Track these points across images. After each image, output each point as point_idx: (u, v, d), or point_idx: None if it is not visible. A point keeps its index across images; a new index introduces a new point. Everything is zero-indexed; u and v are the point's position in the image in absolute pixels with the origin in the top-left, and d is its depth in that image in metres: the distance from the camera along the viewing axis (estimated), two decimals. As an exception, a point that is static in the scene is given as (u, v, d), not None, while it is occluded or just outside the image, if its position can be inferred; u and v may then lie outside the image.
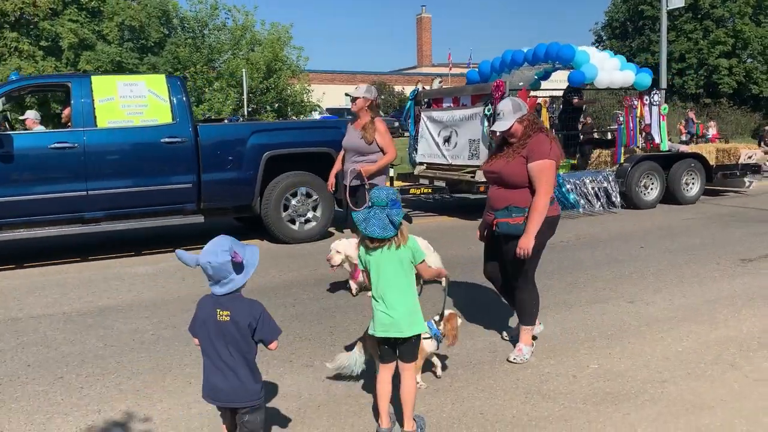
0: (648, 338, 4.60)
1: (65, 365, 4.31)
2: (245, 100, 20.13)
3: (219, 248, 2.62)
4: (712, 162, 11.60)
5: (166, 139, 7.45)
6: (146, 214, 7.56)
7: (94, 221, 7.31)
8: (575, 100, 11.50)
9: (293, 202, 8.21)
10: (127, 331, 4.98)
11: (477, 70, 11.92)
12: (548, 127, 9.85)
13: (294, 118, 23.88)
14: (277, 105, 23.28)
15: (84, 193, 7.15)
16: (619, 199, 10.36)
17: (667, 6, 19.64)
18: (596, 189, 10.26)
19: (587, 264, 6.94)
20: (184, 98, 7.69)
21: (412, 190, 10.57)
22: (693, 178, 11.21)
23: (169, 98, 7.57)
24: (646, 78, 10.68)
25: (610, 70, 10.29)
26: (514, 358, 4.19)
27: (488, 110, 9.32)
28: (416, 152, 11.38)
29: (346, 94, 6.82)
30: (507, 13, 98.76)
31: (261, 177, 7.97)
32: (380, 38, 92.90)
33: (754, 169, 12.15)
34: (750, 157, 12.10)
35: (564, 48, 10.05)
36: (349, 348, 4.00)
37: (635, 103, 10.73)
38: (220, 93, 21.93)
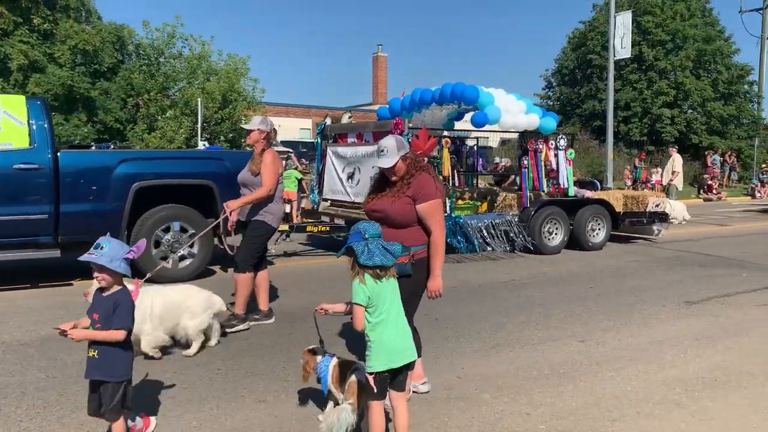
0: (598, 377, 4.68)
1: (4, 397, 4.11)
2: (199, 129, 19.96)
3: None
4: (619, 209, 11.56)
5: (20, 166, 6.86)
6: None
7: None
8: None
9: (166, 237, 7.67)
10: (71, 363, 4.78)
11: (387, 107, 11.70)
12: (450, 167, 10.08)
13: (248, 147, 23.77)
14: (231, 135, 23.13)
15: None
16: (521, 243, 10.10)
17: (614, 56, 20.49)
18: (499, 232, 9.98)
19: (538, 302, 7.04)
20: (45, 122, 7.13)
21: (308, 228, 10.15)
22: (599, 224, 11.01)
23: (28, 121, 7.03)
24: (551, 122, 10.62)
25: (515, 113, 10.24)
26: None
27: None
28: (321, 188, 11.04)
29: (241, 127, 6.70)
30: (460, 52, 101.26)
31: (129, 209, 7.42)
32: (337, 74, 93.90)
33: (662, 217, 11.94)
34: (657, 206, 11.97)
35: (468, 89, 9.96)
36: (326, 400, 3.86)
37: (540, 146, 10.62)
38: (174, 121, 21.68)
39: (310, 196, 11.41)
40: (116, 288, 3.18)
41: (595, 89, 36.86)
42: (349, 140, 10.55)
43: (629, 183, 21.10)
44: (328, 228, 10.18)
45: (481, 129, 10.36)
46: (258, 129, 5.78)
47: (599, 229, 11.01)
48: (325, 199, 10.89)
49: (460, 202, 10.46)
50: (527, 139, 10.63)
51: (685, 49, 35.18)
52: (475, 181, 12.14)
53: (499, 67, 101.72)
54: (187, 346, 5.06)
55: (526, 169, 10.49)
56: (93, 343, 3.12)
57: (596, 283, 8.13)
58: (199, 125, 19.07)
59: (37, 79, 18.92)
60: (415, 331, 4.08)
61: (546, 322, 6.18)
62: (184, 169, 8.03)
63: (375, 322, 3.27)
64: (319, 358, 3.74)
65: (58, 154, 7.17)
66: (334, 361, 3.71)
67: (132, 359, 3.25)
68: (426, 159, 9.00)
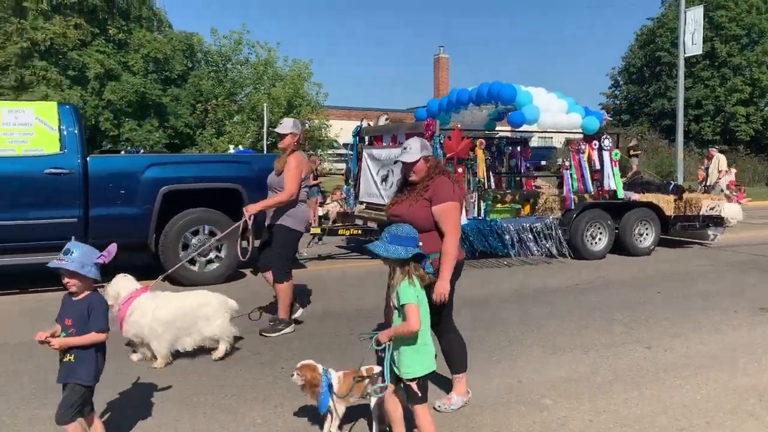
0: (666, 384, 4.56)
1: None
2: (265, 133, 20.42)
3: None
4: (670, 212, 10.99)
5: (50, 170, 7.03)
6: (26, 249, 7.00)
7: None
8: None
9: (194, 241, 7.74)
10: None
11: (425, 108, 11.45)
12: (485, 168, 9.70)
13: (311, 152, 24.15)
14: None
15: None
16: (559, 249, 9.75)
17: (685, 53, 19.81)
18: (538, 236, 9.65)
19: (600, 307, 6.90)
20: (75, 128, 7.28)
21: (340, 231, 10.05)
22: (647, 229, 10.49)
23: (59, 127, 7.19)
24: (594, 122, 10.21)
25: (555, 112, 9.91)
26: (439, 406, 4.06)
27: None
28: (357, 191, 10.84)
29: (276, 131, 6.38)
30: (525, 53, 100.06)
31: (157, 213, 7.50)
32: (397, 76, 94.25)
33: (717, 221, 11.26)
34: (712, 209, 11.28)
35: (505, 88, 9.68)
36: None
37: (582, 147, 10.24)
38: (241, 126, 22.24)
39: (347, 199, 11.26)
40: (86, 292, 3.15)
41: (664, 87, 35.73)
42: (384, 143, 10.41)
43: (701, 185, 20.23)
44: (360, 231, 10.02)
45: (518, 129, 10.17)
46: (291, 133, 5.75)
47: (647, 234, 10.52)
48: (361, 202, 10.73)
49: (499, 205, 10.29)
50: (569, 139, 10.36)
51: (761, 43, 33.68)
52: (518, 183, 11.80)
53: (563, 66, 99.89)
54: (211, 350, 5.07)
55: (568, 171, 10.19)
56: (69, 348, 3.10)
57: (660, 288, 7.90)
58: (264, 129, 19.50)
59: (113, 86, 19.75)
60: (455, 332, 4.17)
61: (609, 327, 6.05)
62: (211, 173, 8.08)
63: (423, 327, 3.30)
64: (320, 370, 3.60)
65: (88, 159, 7.33)
66: (339, 374, 3.61)
67: (101, 366, 3.21)
68: (457, 161, 9.05)
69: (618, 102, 40.47)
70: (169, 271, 6.30)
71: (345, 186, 11.36)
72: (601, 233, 10.12)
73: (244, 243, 6.09)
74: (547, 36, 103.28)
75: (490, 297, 7.37)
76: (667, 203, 11.09)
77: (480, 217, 9.42)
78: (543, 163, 19.02)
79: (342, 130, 28.75)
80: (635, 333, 5.87)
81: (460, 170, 9.06)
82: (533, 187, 11.83)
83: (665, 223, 10.72)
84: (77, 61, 19.30)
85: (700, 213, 11.23)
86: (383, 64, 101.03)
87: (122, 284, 4.91)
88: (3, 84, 18.50)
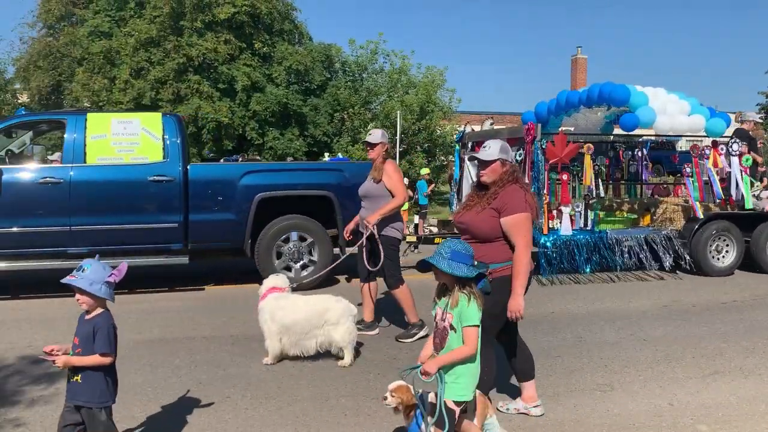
0: None
1: (232, 386, 4.59)
2: (397, 140, 20.71)
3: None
4: None
5: (154, 178, 7.40)
6: (131, 251, 7.42)
7: (77, 257, 7.09)
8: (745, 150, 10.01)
9: (286, 247, 7.89)
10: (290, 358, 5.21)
11: (534, 111, 10.99)
12: (593, 175, 9.04)
13: (443, 158, 24.16)
14: (426, 145, 23.69)
15: (67, 228, 7.20)
16: (678, 263, 8.96)
17: None
18: (653, 249, 8.84)
19: (765, 327, 6.29)
20: (178, 138, 7.62)
21: (436, 240, 9.65)
22: None
23: (163, 137, 7.54)
24: (720, 124, 9.37)
25: (674, 114, 9.18)
26: (501, 407, 4.10)
27: (519, 155, 8.55)
28: (459, 198, 10.38)
29: (364, 142, 6.38)
30: (668, 52, 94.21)
31: (252, 219, 7.72)
32: (532, 78, 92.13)
33: None
34: None
35: (618, 88, 9.12)
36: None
37: (707, 152, 9.31)
38: (375, 133, 22.74)
39: (450, 206, 10.95)
40: (98, 311, 3.06)
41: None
42: None
43: None
44: None
45: (631, 132, 9.38)
46: (381, 143, 5.78)
47: None
48: None
49: (618, 214, 9.72)
50: (693, 143, 9.44)
51: None
52: (640, 191, 11.13)
53: (710, 65, 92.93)
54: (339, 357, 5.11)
55: (690, 178, 9.27)
56: (76, 369, 3.02)
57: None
58: (397, 137, 19.80)
59: (258, 98, 20.92)
60: (489, 348, 3.75)
61: (775, 351, 5.51)
62: (304, 180, 8.25)
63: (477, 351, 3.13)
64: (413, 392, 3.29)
65: (188, 166, 7.67)
66: (430, 396, 3.24)
67: (113, 388, 3.13)
68: (561, 167, 8.57)
69: (779, 101, 36.97)
70: (324, 272, 6.93)
71: (451, 192, 11.16)
72: (728, 247, 9.19)
73: (349, 249, 6.18)
74: (690, 34, 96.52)
75: (634, 312, 6.97)
76: None
77: (587, 228, 8.86)
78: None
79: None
80: (806, 358, 5.30)
81: (565, 177, 8.67)
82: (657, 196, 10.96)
83: None
84: (227, 74, 20.63)
85: None
86: (520, 67, 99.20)
87: (267, 281, 5.22)
88: (161, 97, 20.19)
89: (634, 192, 11.09)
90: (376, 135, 5.87)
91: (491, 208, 3.69)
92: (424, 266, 3.16)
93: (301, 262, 7.98)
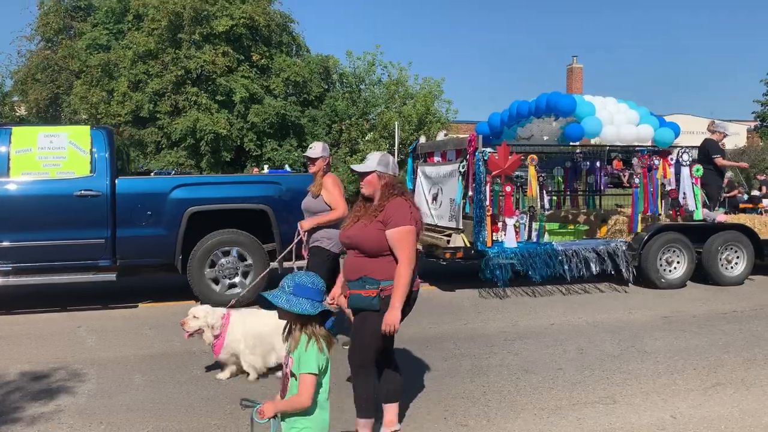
0: None
1: (234, 402, 4.58)
2: (396, 150, 20.77)
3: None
4: (765, 236, 9.37)
5: (80, 192, 7.21)
6: (57, 268, 7.23)
7: (2, 273, 7.08)
8: (718, 159, 9.97)
9: (222, 261, 7.64)
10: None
11: (487, 122, 10.53)
12: (538, 187, 8.86)
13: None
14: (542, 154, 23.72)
15: None
16: (627, 275, 8.68)
17: None
18: (602, 260, 8.58)
19: (766, 338, 6.29)
20: (106, 151, 7.41)
21: None
22: (736, 254, 9.14)
23: (91, 150, 7.35)
24: (669, 134, 9.07)
25: (620, 123, 8.92)
26: None
27: (462, 166, 8.40)
28: None
29: (304, 156, 6.13)
30: (663, 61, 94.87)
31: (183, 234, 7.49)
32: (529, 89, 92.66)
33: None
34: None
35: (564, 99, 8.86)
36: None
37: (656, 162, 9.04)
38: (373, 144, 22.78)
39: None
40: None
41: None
42: (435, 159, 9.70)
43: None
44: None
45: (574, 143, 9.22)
46: (322, 156, 5.69)
47: (736, 260, 9.14)
48: None
49: (570, 226, 9.60)
50: (638, 153, 9.18)
51: None
52: (597, 202, 10.88)
53: (705, 74, 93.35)
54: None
55: (638, 189, 9.04)
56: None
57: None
58: (395, 147, 19.85)
59: (256, 109, 20.96)
60: (367, 372, 3.73)
61: (777, 362, 5.50)
62: (238, 193, 7.95)
63: (321, 399, 2.76)
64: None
65: (116, 180, 7.43)
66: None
67: None
68: (505, 178, 8.29)
69: (775, 110, 37.19)
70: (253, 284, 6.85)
71: None
72: (679, 258, 8.93)
73: (288, 264, 6.01)
74: (686, 42, 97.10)
75: (634, 322, 6.97)
76: (764, 225, 9.62)
77: (532, 240, 8.59)
78: (728, 175, 17.65)
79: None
80: (807, 369, 5.30)
81: (508, 189, 8.42)
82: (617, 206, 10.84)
83: (759, 248, 9.23)
84: (225, 86, 20.68)
85: None
86: (516, 76, 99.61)
87: (210, 316, 5.04)
88: (160, 109, 20.23)
89: (592, 203, 10.90)
90: (316, 149, 5.74)
91: (378, 221, 3.60)
92: (263, 302, 2.79)
93: (237, 279, 7.70)
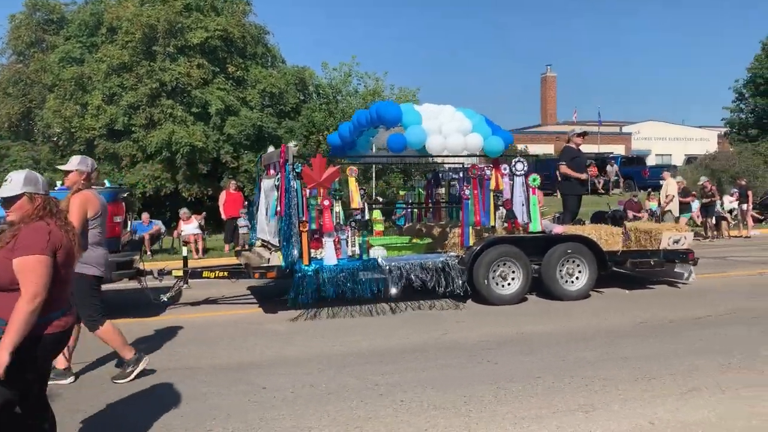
0: (821, 432, 4.14)
1: (213, 418, 4.54)
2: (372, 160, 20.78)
3: None
4: (616, 246, 9.17)
5: None
6: None
7: None
8: (561, 167, 10.11)
9: None
10: (271, 388, 5.16)
11: (337, 132, 9.98)
12: (359, 199, 8.53)
13: (418, 177, 24.26)
14: (402, 165, 23.83)
15: None
16: (458, 290, 8.19)
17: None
18: (432, 275, 8.17)
19: (741, 342, 6.40)
20: None
21: (204, 274, 8.60)
22: (578, 267, 8.76)
23: None
24: (498, 143, 8.70)
25: (448, 133, 8.51)
26: None
27: (277, 180, 8.11)
28: (254, 225, 9.68)
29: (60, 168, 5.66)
30: (635, 73, 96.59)
31: None
32: (504, 97, 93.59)
33: (683, 257, 9.44)
34: (677, 242, 9.34)
35: (390, 108, 8.50)
36: None
37: (488, 173, 8.68)
38: (350, 154, 22.84)
39: (250, 234, 10.04)
40: None
41: (797, 98, 33.21)
42: (271, 172, 9.10)
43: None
44: (226, 273, 8.61)
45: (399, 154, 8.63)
46: (77, 170, 5.32)
47: (578, 273, 8.76)
48: (260, 239, 9.39)
49: (414, 240, 9.41)
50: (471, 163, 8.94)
51: None
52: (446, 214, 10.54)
53: (680, 81, 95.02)
54: None
55: (468, 201, 8.62)
56: None
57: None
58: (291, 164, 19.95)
59: (232, 121, 20.85)
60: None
61: (751, 366, 5.59)
62: None
63: None
64: None
65: None
66: None
67: None
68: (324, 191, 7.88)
69: (744, 116, 37.99)
70: None
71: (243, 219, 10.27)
72: (513, 273, 8.47)
73: None
74: (659, 50, 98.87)
75: (611, 330, 7.05)
76: (611, 236, 9.22)
77: (357, 256, 8.16)
78: (679, 179, 17.92)
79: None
80: (780, 372, 5.40)
81: (326, 202, 7.97)
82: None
83: (602, 261, 8.89)
84: (200, 98, 20.57)
85: (661, 247, 9.30)
86: (489, 86, 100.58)
87: None
88: (135, 122, 20.05)
89: (455, 215, 10.31)
90: (71, 162, 5.37)
91: (8, 249, 3.08)
92: None
93: None
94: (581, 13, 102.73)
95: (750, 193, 19.18)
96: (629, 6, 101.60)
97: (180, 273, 8.59)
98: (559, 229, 9.09)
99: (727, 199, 19.48)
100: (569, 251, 8.76)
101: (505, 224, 8.89)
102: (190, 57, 20.66)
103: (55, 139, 21.85)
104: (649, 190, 22.26)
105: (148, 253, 14.33)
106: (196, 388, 5.18)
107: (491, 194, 8.73)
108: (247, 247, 10.49)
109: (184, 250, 9.39)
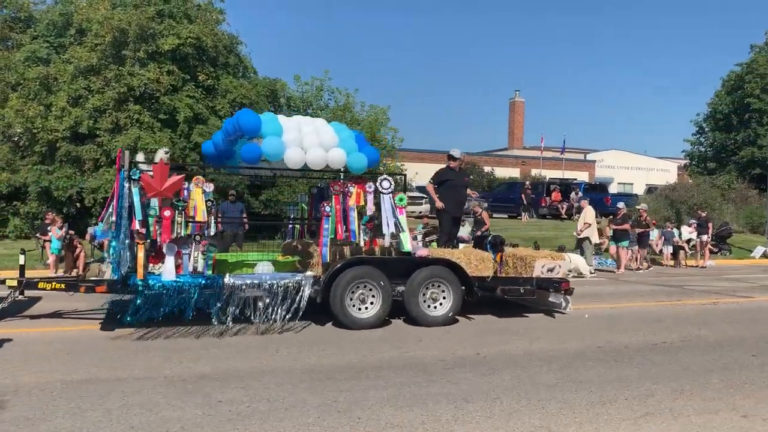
0: (767, 460, 4.24)
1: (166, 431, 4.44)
2: (342, 176, 20.79)
3: None
4: (486, 272, 8.82)
5: None
6: None
7: None
8: (428, 185, 10.26)
9: None
10: (225, 401, 5.08)
11: (212, 141, 9.52)
12: (205, 211, 7.89)
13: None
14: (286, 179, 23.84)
15: None
16: (298, 311, 7.84)
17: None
18: (281, 296, 7.82)
19: (693, 369, 6.53)
20: None
21: (40, 285, 8.03)
22: (443, 292, 8.39)
23: None
24: (361, 160, 8.53)
25: (309, 147, 8.26)
26: None
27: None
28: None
29: None
30: (600, 101, 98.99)
31: None
32: (472, 120, 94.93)
33: (556, 286, 9.14)
34: (551, 270, 9.01)
35: (246, 116, 8.20)
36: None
37: (349, 189, 8.41)
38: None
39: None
40: None
41: (753, 135, 34.40)
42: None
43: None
44: (62, 285, 8.03)
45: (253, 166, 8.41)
46: None
47: (442, 299, 8.39)
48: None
49: (281, 258, 9.02)
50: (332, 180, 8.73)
51: None
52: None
53: (643, 110, 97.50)
54: None
55: (329, 218, 8.23)
56: None
57: (759, 352, 7.42)
58: (341, 174, 19.96)
59: (200, 129, 20.63)
60: None
61: (702, 392, 5.71)
62: None
63: None
64: None
65: None
66: None
67: None
68: (164, 202, 7.29)
69: (703, 149, 39.15)
70: None
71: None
72: (372, 296, 8.09)
73: None
74: (626, 79, 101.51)
75: (570, 353, 7.13)
76: (481, 261, 8.88)
77: (199, 272, 7.68)
78: (620, 206, 18.37)
79: (417, 174, 29.07)
80: (730, 399, 5.52)
81: (167, 213, 7.49)
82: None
83: (468, 286, 8.55)
84: (168, 105, 20.34)
85: (534, 275, 8.97)
86: (461, 107, 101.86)
87: None
88: (100, 126, 19.70)
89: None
90: None
91: None
92: None
93: None
94: (553, 42, 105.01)
95: (711, 225, 19.72)
96: (598, 39, 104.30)
97: (14, 283, 8.02)
98: (423, 252, 8.76)
99: (685, 229, 19.96)
100: (434, 275, 8.42)
101: (363, 244, 8.51)
102: (160, 63, 20.41)
103: (15, 139, 21.34)
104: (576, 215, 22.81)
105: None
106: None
107: (355, 211, 8.38)
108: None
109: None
